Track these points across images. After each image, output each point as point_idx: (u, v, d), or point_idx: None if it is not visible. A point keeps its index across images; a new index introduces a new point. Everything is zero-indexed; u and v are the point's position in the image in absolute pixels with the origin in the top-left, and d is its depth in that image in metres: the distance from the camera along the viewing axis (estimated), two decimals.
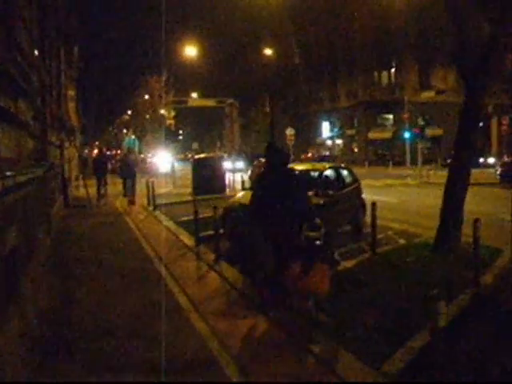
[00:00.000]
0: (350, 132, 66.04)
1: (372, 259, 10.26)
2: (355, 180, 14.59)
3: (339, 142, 69.70)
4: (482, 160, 45.20)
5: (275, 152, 7.76)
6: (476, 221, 8.32)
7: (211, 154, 31.01)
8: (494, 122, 55.04)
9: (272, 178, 7.65)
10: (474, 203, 17.72)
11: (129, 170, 23.10)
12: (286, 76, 65.08)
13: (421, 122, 49.81)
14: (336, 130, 68.37)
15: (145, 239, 12.98)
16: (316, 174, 13.45)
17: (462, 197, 10.47)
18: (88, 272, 9.67)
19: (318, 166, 14.39)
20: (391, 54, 56.98)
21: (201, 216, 12.55)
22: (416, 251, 10.53)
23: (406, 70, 57.33)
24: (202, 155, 28.20)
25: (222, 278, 9.05)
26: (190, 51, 40.62)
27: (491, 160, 46.10)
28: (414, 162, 45.08)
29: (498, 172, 30.11)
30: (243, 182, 22.36)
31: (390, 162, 51.44)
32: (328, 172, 13.52)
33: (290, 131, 56.17)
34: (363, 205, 14.28)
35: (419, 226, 14.10)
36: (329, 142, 70.89)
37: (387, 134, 59.87)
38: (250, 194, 9.45)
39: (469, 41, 10.38)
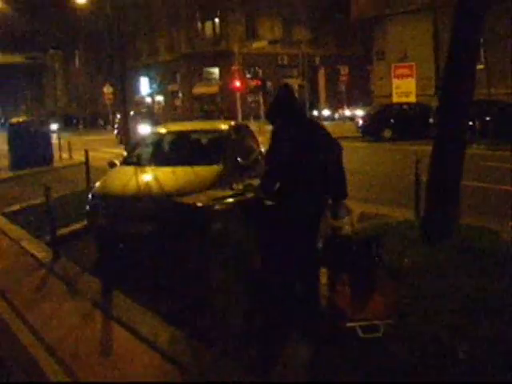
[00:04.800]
0: (172, 87, 61.78)
1: None
2: (257, 142, 10.94)
3: (160, 98, 65.40)
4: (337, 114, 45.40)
5: (292, 97, 5.33)
6: None
7: (32, 118, 25.45)
8: (321, 73, 54.12)
9: (298, 134, 5.11)
10: (362, 161, 15.87)
11: None
12: (99, 28, 58.84)
13: (248, 75, 47.82)
14: (155, 85, 64.00)
15: None
16: (214, 136, 9.74)
17: (458, 160, 7.33)
18: None
19: (217, 125, 10.63)
20: (214, 4, 53.36)
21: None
22: (402, 245, 7.17)
23: (231, 20, 54.07)
24: (20, 119, 22.81)
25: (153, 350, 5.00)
26: None
27: (347, 112, 45.88)
28: (245, 117, 42.90)
29: (360, 125, 28.74)
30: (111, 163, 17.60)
31: (221, 118, 48.40)
32: (232, 134, 9.76)
33: (107, 89, 51.02)
34: None
35: None
36: (148, 99, 66.32)
37: (213, 88, 56.51)
38: (126, 172, 8.17)
39: None
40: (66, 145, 22.59)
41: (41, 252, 8.06)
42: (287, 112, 5.24)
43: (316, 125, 5.47)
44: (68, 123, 52.63)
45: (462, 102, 7.25)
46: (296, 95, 5.59)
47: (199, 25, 55.95)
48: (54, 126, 37.32)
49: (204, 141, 9.94)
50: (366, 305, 4.62)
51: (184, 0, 54.66)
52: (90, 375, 4.50)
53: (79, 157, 20.77)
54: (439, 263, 6.50)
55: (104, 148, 27.28)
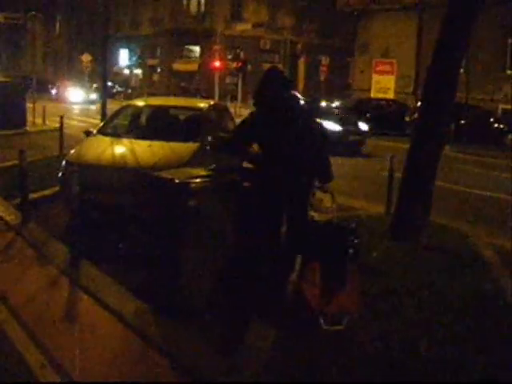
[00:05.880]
0: (151, 62, 60.98)
1: None
2: (235, 123, 10.90)
3: (138, 71, 64.52)
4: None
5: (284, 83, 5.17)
6: None
7: (6, 79, 24.87)
8: (301, 61, 54.00)
9: (283, 128, 4.97)
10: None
11: None
12: None
13: (229, 56, 47.48)
14: (135, 58, 63.13)
15: None
16: (193, 114, 9.70)
17: (434, 160, 7.43)
18: None
19: (196, 102, 10.58)
20: None
21: None
22: (371, 239, 7.25)
23: (217, 0, 53.51)
24: None
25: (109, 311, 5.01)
26: None
27: (324, 103, 45.71)
28: (222, 98, 42.63)
29: None
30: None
31: (198, 97, 47.95)
32: (211, 113, 9.74)
33: (86, 57, 50.11)
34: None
35: None
36: (126, 72, 65.43)
37: (193, 66, 55.95)
38: (102, 142, 8.19)
39: None
40: (40, 110, 22.20)
41: (10, 215, 7.95)
42: (275, 96, 5.11)
43: (308, 110, 5.76)
44: (43, 88, 51.55)
45: (443, 103, 7.34)
46: (286, 79, 5.43)
47: (184, 1, 55.29)
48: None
49: (182, 117, 9.89)
50: (334, 297, 4.66)
51: None
52: (54, 340, 4.49)
53: (53, 123, 20.46)
54: (403, 259, 6.61)
55: (78, 117, 26.91)
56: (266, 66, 53.65)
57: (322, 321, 4.70)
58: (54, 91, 49.42)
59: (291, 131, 5.00)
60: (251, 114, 5.30)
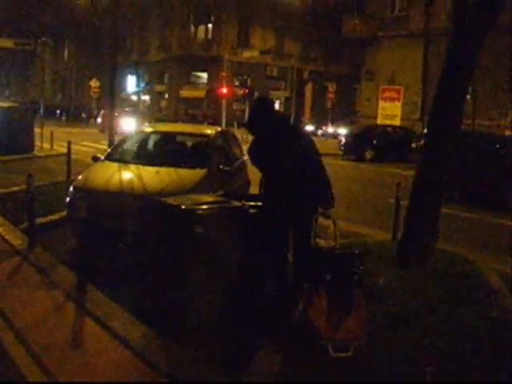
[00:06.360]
0: (159, 88, 61.49)
1: None
2: (241, 150, 10.98)
3: (146, 98, 64.96)
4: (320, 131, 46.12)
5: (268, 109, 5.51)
6: None
7: (15, 104, 25.09)
8: (308, 88, 54.36)
9: (275, 142, 5.32)
10: (342, 180, 16.02)
11: None
12: (92, 21, 58.52)
13: (236, 83, 47.89)
14: (143, 84, 63.55)
15: None
16: (200, 140, 9.77)
17: (440, 187, 7.43)
18: None
19: (203, 129, 10.67)
20: (209, 8, 53.37)
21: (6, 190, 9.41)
22: (377, 265, 7.24)
23: (224, 27, 54.09)
24: (5, 104, 22.44)
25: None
26: None
27: (330, 130, 46.58)
28: (229, 124, 42.86)
29: (342, 143, 28.89)
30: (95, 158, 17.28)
31: (205, 123, 48.19)
32: (218, 139, 9.81)
33: (94, 83, 50.75)
34: (249, 183, 10.79)
35: None
36: (134, 98, 65.84)
37: (200, 93, 56.39)
38: (109, 167, 8.20)
39: None
40: (48, 135, 22.38)
41: (16, 239, 7.98)
42: (264, 123, 5.41)
43: (297, 133, 5.79)
44: (51, 114, 52.01)
45: (449, 130, 7.36)
46: (273, 106, 5.81)
47: (192, 28, 55.92)
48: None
49: (189, 144, 9.96)
50: (341, 325, 4.65)
51: (179, 1, 54.61)
52: (59, 366, 4.48)
53: (60, 148, 20.60)
54: (411, 286, 6.59)
55: (85, 142, 27.09)
56: (273, 92, 54.40)
57: (330, 348, 4.68)
58: (98, 120, 47.45)
59: (284, 146, 5.27)
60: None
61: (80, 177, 8.51)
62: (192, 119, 53.53)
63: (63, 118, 57.10)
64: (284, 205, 5.07)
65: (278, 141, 5.32)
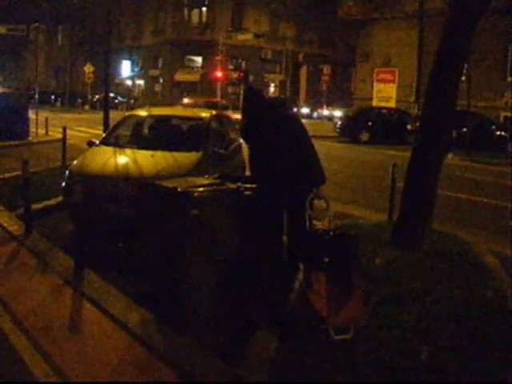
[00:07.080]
0: (153, 72, 61.18)
1: None
2: (237, 133, 10.94)
3: (140, 82, 64.71)
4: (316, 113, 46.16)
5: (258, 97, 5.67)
6: None
7: (9, 90, 24.98)
8: (303, 71, 54.10)
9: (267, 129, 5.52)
10: (338, 162, 16.02)
11: None
12: (85, 5, 58.01)
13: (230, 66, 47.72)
14: (137, 69, 63.26)
15: None
16: (195, 124, 9.74)
17: (436, 168, 7.44)
18: None
19: (198, 112, 10.63)
20: None
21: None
22: (373, 246, 7.26)
23: (218, 10, 53.76)
24: None
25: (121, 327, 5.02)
26: None
27: (326, 112, 46.63)
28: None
29: (338, 125, 28.75)
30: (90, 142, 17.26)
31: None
32: (214, 122, 9.78)
33: (88, 68, 50.44)
34: (245, 165, 10.77)
35: None
36: (129, 82, 65.59)
37: (195, 77, 56.16)
38: (105, 152, 8.18)
39: None
40: (43, 120, 22.30)
41: (12, 225, 7.97)
42: (255, 111, 5.59)
43: (288, 117, 6.08)
44: (46, 99, 51.77)
45: (444, 111, 7.36)
46: (261, 93, 6.00)
47: (186, 12, 55.55)
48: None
49: (184, 127, 9.93)
50: (342, 308, 4.66)
51: None
52: (58, 350, 4.50)
53: (55, 134, 20.54)
54: (407, 267, 6.62)
55: (80, 127, 27.00)
56: (268, 75, 54.12)
57: (331, 331, 4.69)
58: None
59: (272, 127, 5.51)
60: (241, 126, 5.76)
61: (76, 162, 8.49)
62: (212, 107, 53.23)
63: (58, 103, 56.81)
64: (276, 184, 5.16)
65: (268, 123, 5.50)
